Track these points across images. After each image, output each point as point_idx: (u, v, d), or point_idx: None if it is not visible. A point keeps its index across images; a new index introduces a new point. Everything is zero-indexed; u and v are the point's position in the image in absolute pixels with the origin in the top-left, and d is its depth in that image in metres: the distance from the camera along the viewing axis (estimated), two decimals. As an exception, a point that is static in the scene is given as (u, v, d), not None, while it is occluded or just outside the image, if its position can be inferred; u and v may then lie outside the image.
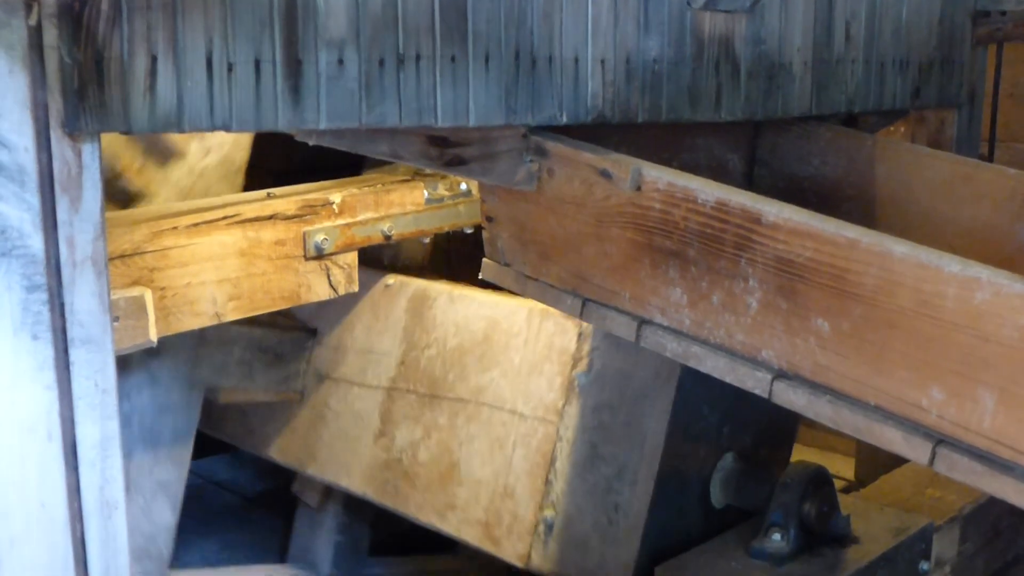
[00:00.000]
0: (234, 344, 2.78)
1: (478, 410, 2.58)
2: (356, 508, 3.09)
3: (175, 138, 2.74)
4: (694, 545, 2.29)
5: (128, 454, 2.59)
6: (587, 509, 2.35)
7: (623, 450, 2.31)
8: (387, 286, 2.83)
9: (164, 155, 2.78)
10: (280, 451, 2.99)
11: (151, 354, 2.55)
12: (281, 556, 3.21)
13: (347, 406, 2.84)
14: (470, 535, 2.56)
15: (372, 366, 2.80)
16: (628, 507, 2.28)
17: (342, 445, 2.84)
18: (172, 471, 2.72)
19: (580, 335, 2.42)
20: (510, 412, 2.51)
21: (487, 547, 2.52)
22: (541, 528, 2.42)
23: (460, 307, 2.66)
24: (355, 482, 2.80)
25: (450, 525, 2.61)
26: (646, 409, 2.28)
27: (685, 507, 2.34)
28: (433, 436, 2.65)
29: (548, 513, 2.41)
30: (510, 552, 2.48)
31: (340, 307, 2.88)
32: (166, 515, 2.73)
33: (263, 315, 2.83)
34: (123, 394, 2.53)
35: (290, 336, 2.90)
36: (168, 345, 2.57)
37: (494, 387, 2.56)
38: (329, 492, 3.06)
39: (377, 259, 2.96)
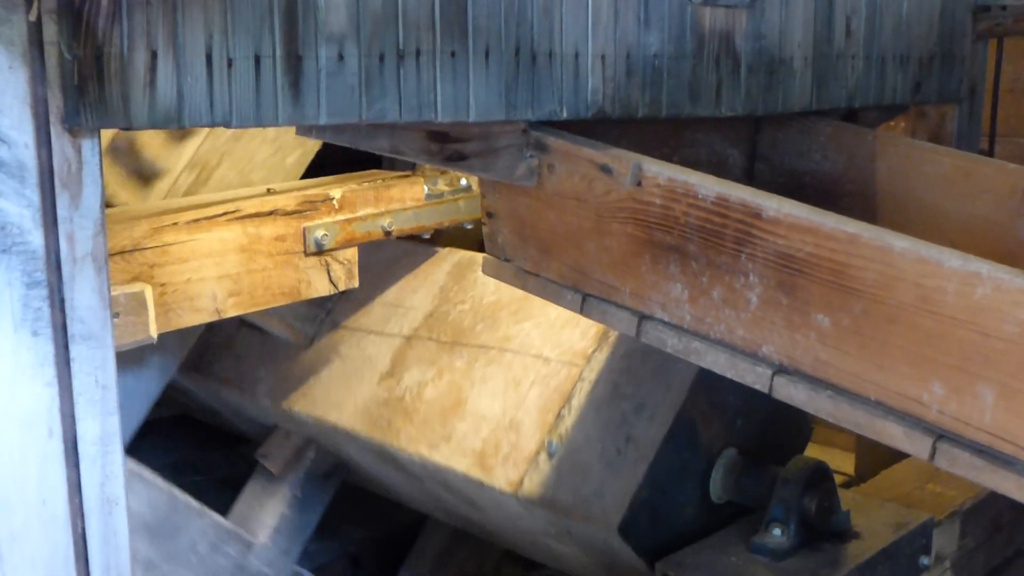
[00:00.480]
0: None
1: (501, 355, 2.60)
2: (314, 489, 3.07)
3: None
4: (692, 540, 2.29)
5: None
6: (596, 439, 2.36)
7: (647, 390, 2.34)
8: (436, 252, 2.89)
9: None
10: (268, 392, 2.97)
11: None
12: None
13: (358, 351, 2.85)
14: (460, 464, 2.54)
15: (397, 318, 2.83)
16: (641, 438, 2.30)
17: (341, 384, 2.84)
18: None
19: None
20: (535, 356, 2.54)
21: (475, 474, 2.50)
22: (541, 456, 2.42)
23: None
24: (345, 416, 2.79)
25: (440, 455, 2.58)
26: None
27: (689, 474, 2.34)
28: (445, 377, 2.66)
29: (553, 439, 2.41)
30: (500, 479, 2.46)
31: (378, 268, 2.90)
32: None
33: None
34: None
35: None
36: None
37: (523, 336, 2.59)
38: (292, 465, 3.04)
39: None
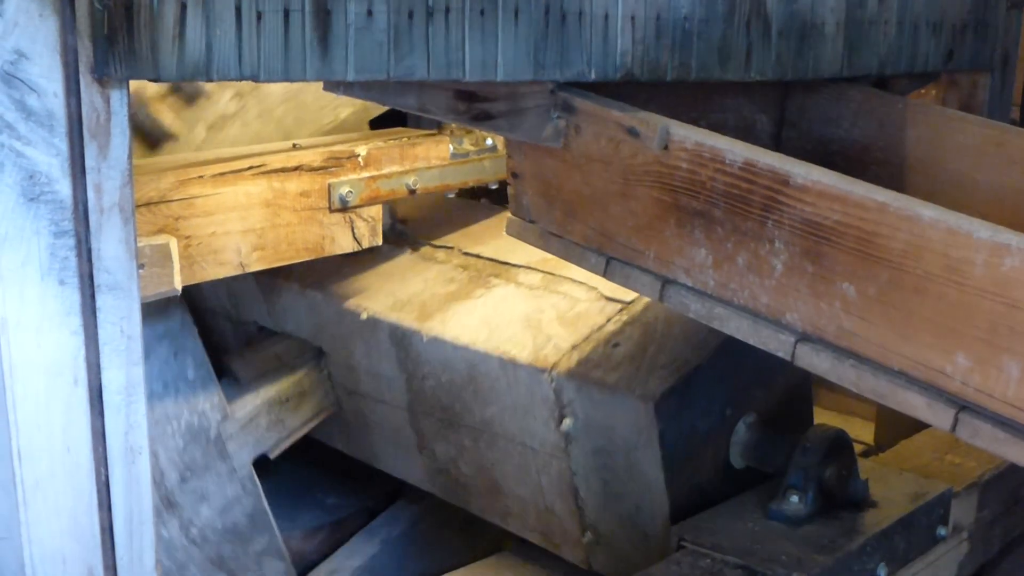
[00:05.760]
0: (258, 418, 2.79)
1: (494, 439, 2.55)
2: None
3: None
4: (712, 503, 2.30)
5: (218, 555, 2.69)
6: (620, 534, 2.38)
7: (634, 491, 2.31)
8: (364, 320, 2.71)
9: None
10: (348, 447, 3.03)
11: (185, 479, 2.63)
12: (308, 506, 3.25)
13: (381, 418, 2.83)
14: (533, 538, 2.61)
15: (385, 388, 2.76)
16: (656, 536, 2.30)
17: (394, 451, 2.86)
18: (264, 537, 2.79)
19: (555, 388, 2.35)
20: (522, 445, 2.49)
21: (552, 550, 2.57)
22: (588, 542, 2.46)
23: (436, 350, 2.58)
24: (422, 483, 2.84)
25: (513, 528, 2.65)
26: (639, 456, 2.26)
27: (708, 500, 2.33)
28: (465, 455, 2.65)
29: (589, 535, 2.45)
30: (572, 557, 2.54)
31: (335, 329, 2.83)
32: (278, 567, 2.80)
33: (269, 361, 2.87)
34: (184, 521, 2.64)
35: (303, 370, 2.89)
36: (196, 463, 2.65)
37: (498, 421, 2.51)
38: None
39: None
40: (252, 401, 2.79)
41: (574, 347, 2.37)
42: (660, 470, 2.23)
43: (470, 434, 2.60)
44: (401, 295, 2.73)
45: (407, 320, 2.64)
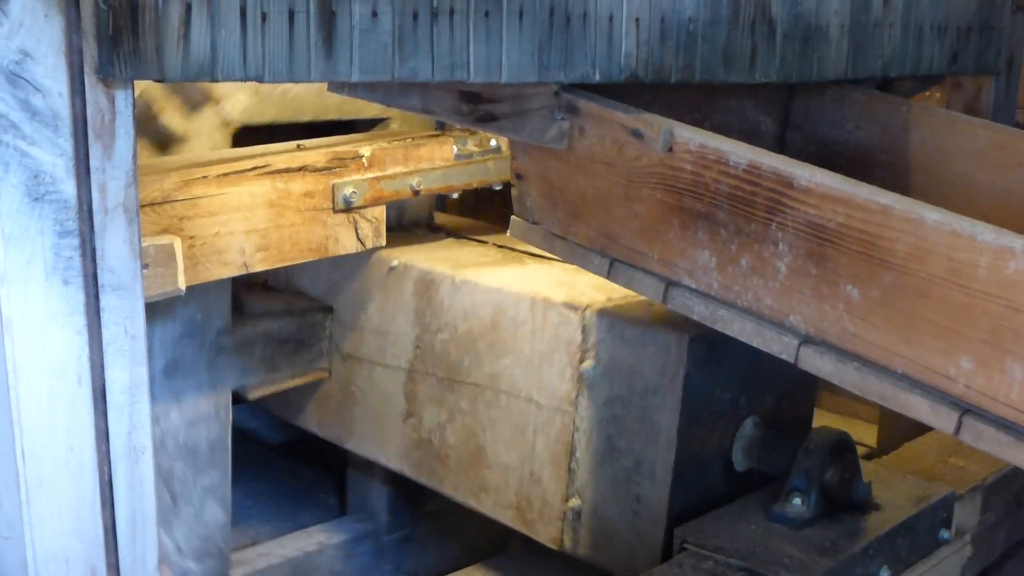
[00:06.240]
0: (253, 345, 2.78)
1: (496, 396, 2.55)
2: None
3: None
4: (714, 506, 2.29)
5: (169, 470, 2.64)
6: (611, 499, 2.36)
7: (639, 443, 2.30)
8: (391, 268, 2.77)
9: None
10: (319, 426, 3.01)
11: (170, 373, 2.58)
12: (309, 507, 3.25)
13: (373, 385, 2.83)
14: (505, 517, 2.58)
15: (390, 347, 2.78)
16: (650, 498, 2.28)
17: (374, 424, 2.85)
18: (216, 475, 2.74)
19: (584, 328, 2.37)
20: (526, 400, 2.49)
21: (521, 528, 2.55)
22: (569, 515, 2.43)
23: (465, 293, 2.61)
24: (392, 460, 2.82)
25: (485, 507, 2.62)
26: (656, 403, 2.25)
27: (707, 485, 2.33)
28: (458, 419, 2.64)
29: (574, 502, 2.42)
30: (543, 535, 2.50)
31: (352, 284, 2.85)
32: (218, 515, 2.76)
33: (277, 303, 2.87)
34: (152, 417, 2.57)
35: (308, 320, 2.88)
36: (186, 359, 2.61)
37: (508, 374, 2.52)
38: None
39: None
40: (252, 328, 2.78)
41: (609, 299, 2.41)
42: (676, 414, 2.22)
43: (469, 394, 2.61)
44: (435, 256, 2.80)
45: (439, 267, 2.69)
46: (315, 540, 3.09)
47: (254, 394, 2.83)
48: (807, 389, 2.54)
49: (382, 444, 2.84)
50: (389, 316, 2.77)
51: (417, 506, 3.22)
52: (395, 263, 2.76)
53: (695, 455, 2.29)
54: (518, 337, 2.50)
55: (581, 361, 2.37)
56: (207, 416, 2.70)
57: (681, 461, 2.26)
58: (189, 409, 2.66)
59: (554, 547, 2.48)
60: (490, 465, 2.59)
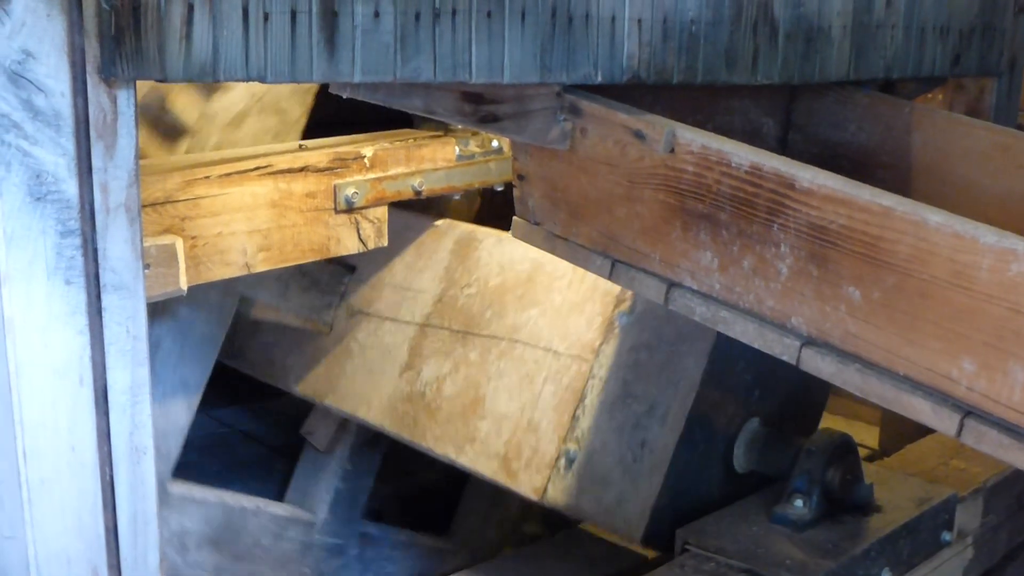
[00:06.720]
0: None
1: (511, 347, 2.58)
2: (362, 459, 3.11)
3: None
4: (714, 509, 2.29)
5: (157, 343, 2.59)
6: (612, 445, 2.35)
7: (656, 388, 2.32)
8: (434, 227, 2.85)
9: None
10: (300, 383, 2.98)
11: None
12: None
13: (376, 340, 2.84)
14: (486, 468, 2.55)
15: (408, 302, 2.80)
16: (655, 443, 2.29)
17: (365, 377, 2.84)
18: (196, 370, 2.70)
19: None
20: (544, 350, 2.52)
21: (501, 479, 2.52)
22: (562, 462, 2.42)
23: (507, 248, 2.67)
24: (374, 414, 2.79)
25: (466, 457, 2.60)
26: (684, 349, 2.28)
27: (709, 460, 2.33)
28: (461, 371, 2.65)
29: (571, 447, 2.41)
30: (526, 485, 2.47)
31: (383, 247, 2.88)
32: (182, 416, 2.71)
33: None
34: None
35: (329, 268, 2.89)
36: None
37: (531, 325, 2.56)
38: (338, 438, 3.08)
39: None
40: None
41: None
42: (704, 359, 2.25)
43: (482, 345, 2.63)
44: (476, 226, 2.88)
45: (485, 230, 2.79)
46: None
47: (257, 312, 2.84)
48: (818, 393, 2.55)
49: (368, 398, 2.82)
50: (416, 272, 2.82)
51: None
52: (440, 223, 2.86)
53: (709, 410, 2.31)
54: (552, 289, 2.55)
55: (615, 309, 2.40)
56: (211, 305, 2.68)
57: (698, 408, 2.27)
58: (198, 292, 2.56)
59: (534, 497, 2.45)
60: (485, 415, 2.58)
